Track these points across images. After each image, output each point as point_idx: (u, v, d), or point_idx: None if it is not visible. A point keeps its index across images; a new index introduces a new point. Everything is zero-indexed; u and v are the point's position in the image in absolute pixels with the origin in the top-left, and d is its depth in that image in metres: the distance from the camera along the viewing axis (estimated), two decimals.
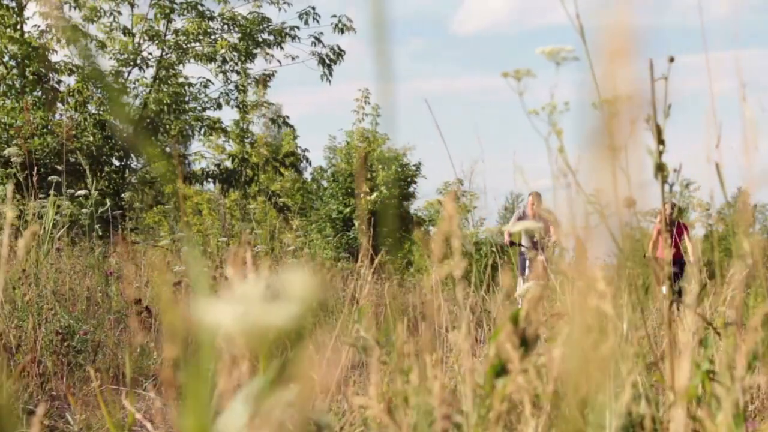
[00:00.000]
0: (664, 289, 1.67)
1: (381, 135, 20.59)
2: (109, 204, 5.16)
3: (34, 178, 4.93)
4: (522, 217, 10.23)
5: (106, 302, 3.90)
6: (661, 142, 1.85)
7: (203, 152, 14.80)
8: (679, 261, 10.16)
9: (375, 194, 21.06)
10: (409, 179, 20.43)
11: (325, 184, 20.96)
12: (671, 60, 1.87)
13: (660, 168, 1.81)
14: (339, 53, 13.57)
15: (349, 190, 20.07)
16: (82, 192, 5.34)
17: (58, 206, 5.97)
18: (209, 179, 13.64)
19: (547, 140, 1.38)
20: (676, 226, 10.01)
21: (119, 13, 13.54)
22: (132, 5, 13.45)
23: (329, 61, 13.56)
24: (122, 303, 4.38)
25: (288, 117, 14.26)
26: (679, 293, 9.74)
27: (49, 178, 6.23)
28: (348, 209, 20.13)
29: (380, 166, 20.37)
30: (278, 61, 13.67)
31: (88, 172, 5.05)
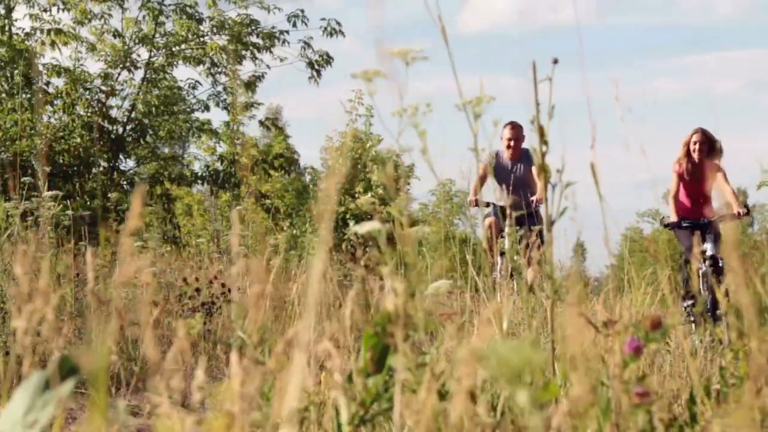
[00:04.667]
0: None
1: (375, 135, 20.62)
2: (68, 204, 5.18)
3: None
4: (495, 161, 7.35)
5: (62, 304, 3.93)
6: (544, 142, 1.87)
7: (195, 154, 14.87)
8: (709, 221, 6.98)
9: (370, 194, 21.10)
10: (402, 180, 20.51)
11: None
12: (555, 62, 1.89)
13: (543, 169, 1.83)
14: (328, 59, 13.60)
15: (343, 190, 20.11)
16: (50, 193, 5.39)
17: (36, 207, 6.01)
18: (198, 181, 13.68)
19: (397, 140, 1.40)
20: (707, 169, 7.11)
21: (110, 15, 13.57)
22: (122, 7, 13.48)
23: (318, 66, 13.60)
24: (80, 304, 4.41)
25: (276, 119, 14.28)
26: (715, 267, 6.57)
27: (22, 179, 6.26)
28: (342, 209, 20.17)
29: (375, 167, 20.40)
30: (267, 65, 13.72)
31: (40, 173, 5.07)
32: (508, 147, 7.44)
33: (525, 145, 7.57)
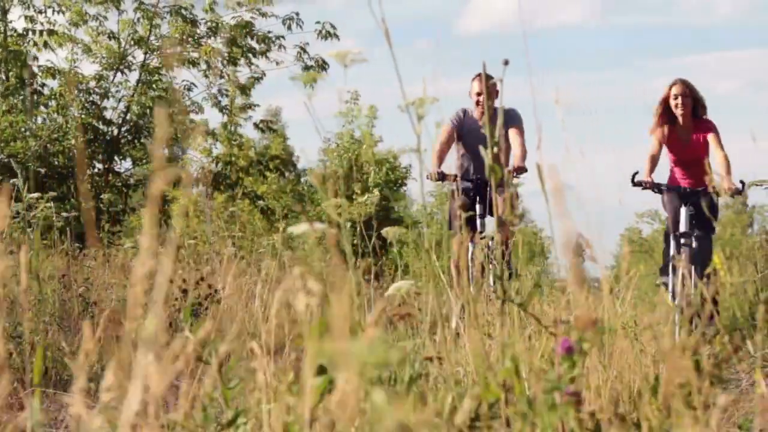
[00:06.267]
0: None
1: (375, 136, 20.66)
2: (62, 206, 5.20)
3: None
4: (461, 121, 6.11)
5: (40, 304, 3.96)
6: (494, 144, 1.88)
7: (191, 156, 14.90)
8: (700, 192, 5.79)
9: (367, 196, 21.11)
10: (399, 181, 20.48)
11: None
12: (506, 63, 1.90)
13: (492, 170, 1.84)
14: (323, 65, 13.62)
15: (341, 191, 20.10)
16: (35, 195, 5.41)
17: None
18: (194, 183, 13.69)
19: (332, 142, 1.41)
20: (695, 128, 5.98)
21: (105, 18, 13.60)
22: (118, 9, 13.50)
23: (314, 71, 13.62)
24: (61, 305, 4.43)
25: (272, 122, 14.33)
26: (700, 255, 5.58)
27: (11, 181, 6.26)
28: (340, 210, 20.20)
29: (372, 168, 20.43)
30: (263, 71, 13.75)
31: (20, 175, 5.08)
32: (478, 103, 6.07)
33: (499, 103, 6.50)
